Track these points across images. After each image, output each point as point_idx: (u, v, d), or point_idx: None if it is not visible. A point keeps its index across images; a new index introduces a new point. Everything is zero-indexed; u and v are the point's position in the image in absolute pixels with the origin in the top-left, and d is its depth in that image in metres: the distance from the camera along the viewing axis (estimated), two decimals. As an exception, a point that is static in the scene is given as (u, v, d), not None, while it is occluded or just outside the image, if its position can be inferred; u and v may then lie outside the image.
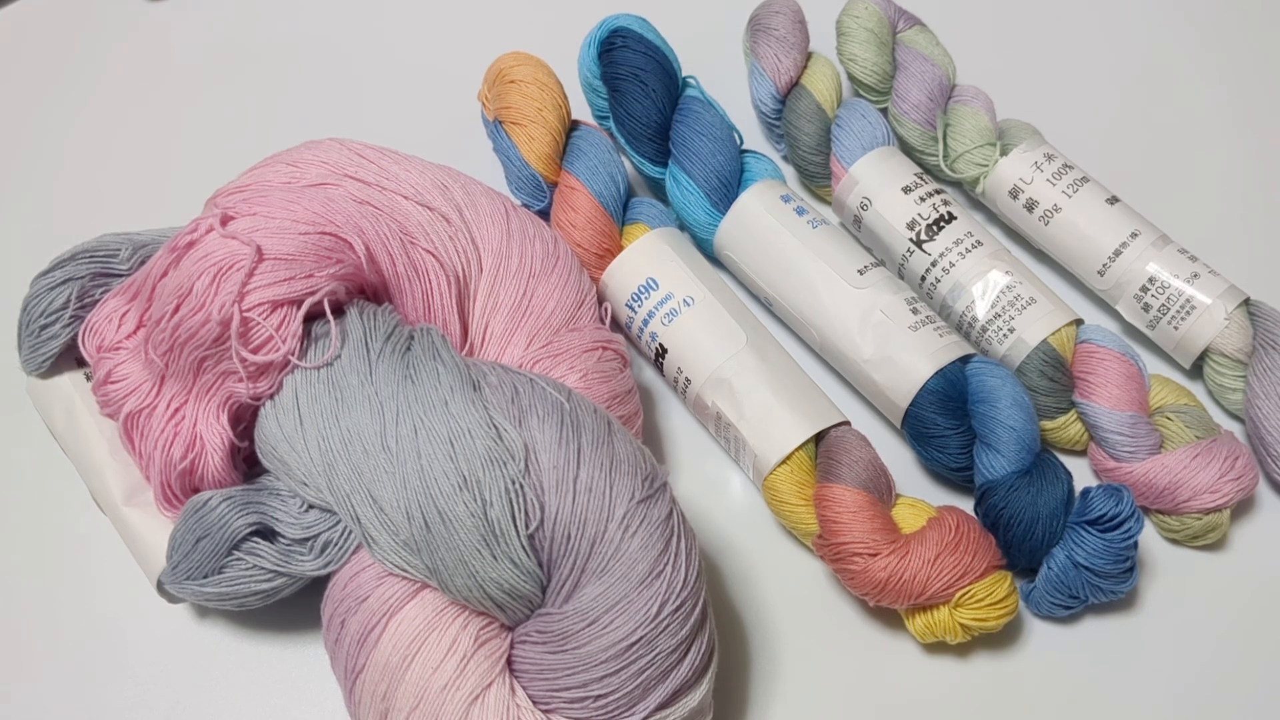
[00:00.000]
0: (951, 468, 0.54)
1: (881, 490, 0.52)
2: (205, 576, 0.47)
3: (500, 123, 0.59)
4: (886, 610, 0.52)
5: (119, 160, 0.67)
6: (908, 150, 0.63)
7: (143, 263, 0.52)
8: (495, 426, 0.44)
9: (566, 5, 0.71)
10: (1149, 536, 0.55)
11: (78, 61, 0.71)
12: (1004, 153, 0.61)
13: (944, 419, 0.53)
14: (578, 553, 0.44)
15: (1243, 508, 0.55)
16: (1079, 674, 0.52)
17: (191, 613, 0.53)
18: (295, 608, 0.50)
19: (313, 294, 0.47)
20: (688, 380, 0.56)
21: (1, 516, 0.55)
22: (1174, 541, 0.55)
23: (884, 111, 0.63)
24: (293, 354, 0.46)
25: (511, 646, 0.45)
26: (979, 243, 0.58)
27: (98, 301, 0.51)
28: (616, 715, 0.43)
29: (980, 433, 0.53)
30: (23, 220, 0.65)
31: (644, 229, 0.59)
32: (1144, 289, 0.57)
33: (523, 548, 0.43)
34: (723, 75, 0.66)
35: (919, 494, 0.55)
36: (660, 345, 0.57)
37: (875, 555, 0.49)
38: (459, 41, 0.72)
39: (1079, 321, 0.57)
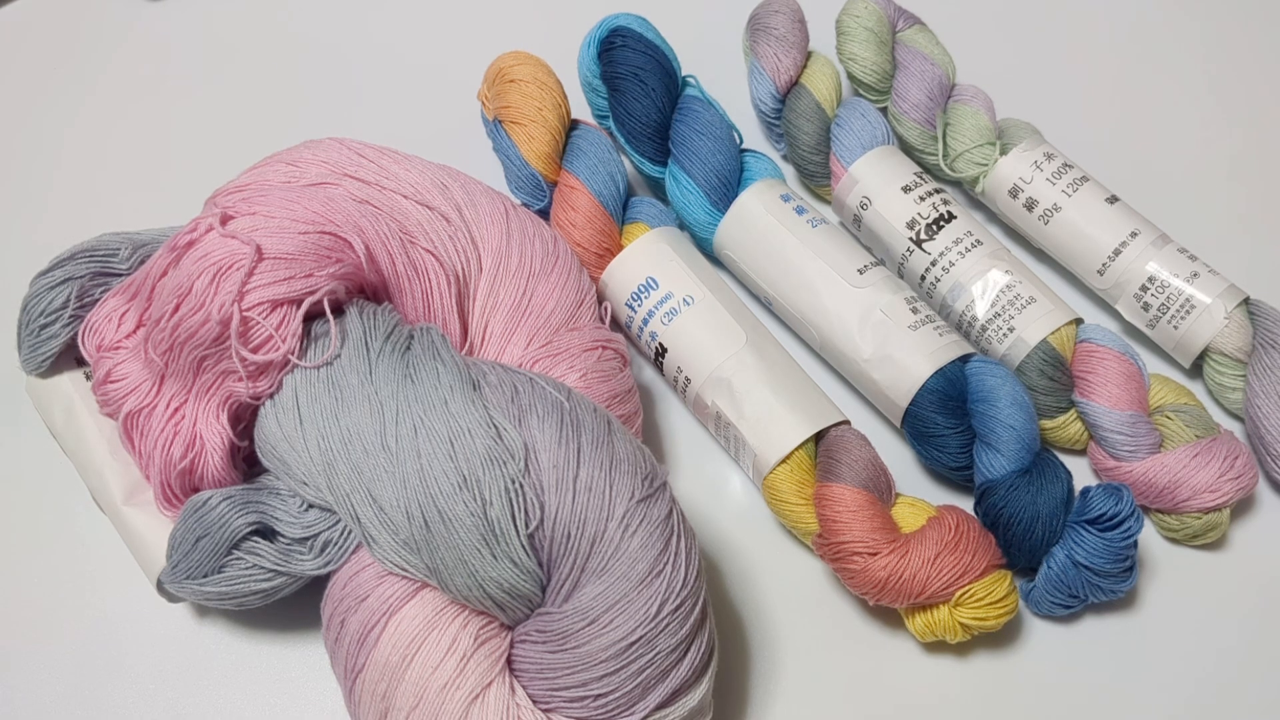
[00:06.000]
0: (951, 467, 0.54)
1: (881, 489, 0.52)
2: (205, 576, 0.47)
3: (500, 122, 0.59)
4: (886, 609, 0.52)
5: (119, 160, 0.67)
6: (907, 149, 0.63)
7: (142, 262, 0.52)
8: (495, 426, 0.44)
9: (566, 5, 0.71)
10: (1149, 536, 0.55)
11: (77, 61, 0.71)
12: (1004, 152, 0.61)
13: (944, 418, 0.53)
14: (577, 552, 0.44)
15: (1242, 507, 0.55)
16: (1079, 674, 0.52)
17: (191, 612, 0.53)
18: (295, 608, 0.50)
19: (312, 293, 0.47)
20: (687, 380, 0.56)
21: (1, 516, 0.55)
22: (1174, 541, 0.55)
23: (884, 111, 0.63)
24: (292, 353, 0.46)
25: (511, 646, 0.45)
26: (979, 242, 0.58)
27: (97, 301, 0.51)
28: (616, 714, 0.43)
29: (980, 432, 0.53)
30: (23, 220, 0.65)
31: (644, 228, 0.59)
32: (1144, 288, 0.57)
33: (522, 547, 0.43)
34: (723, 75, 0.66)
35: (919, 493, 0.55)
36: (660, 344, 0.57)
37: (875, 554, 0.49)
38: (459, 41, 0.72)
39: (1079, 321, 0.57)
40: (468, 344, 0.52)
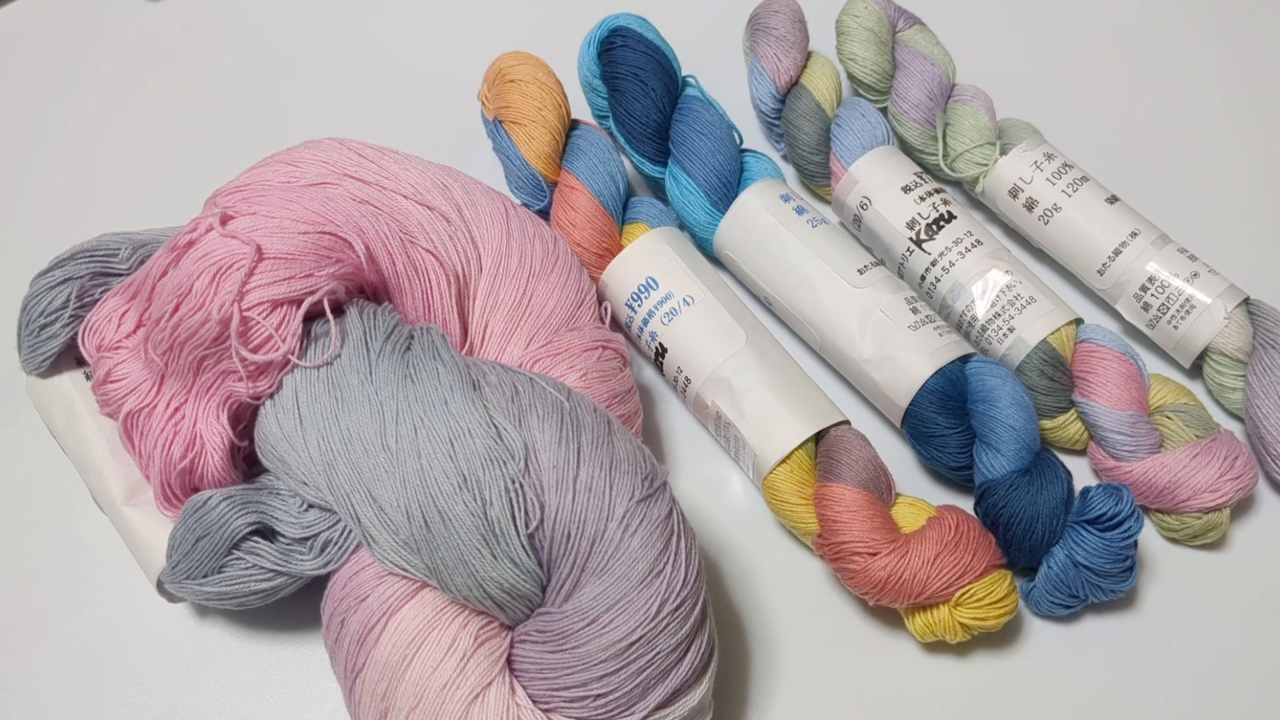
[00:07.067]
0: (951, 467, 0.54)
1: (881, 489, 0.52)
2: (205, 576, 0.47)
3: (500, 122, 0.59)
4: (886, 610, 0.52)
5: (118, 160, 0.67)
6: (907, 150, 0.63)
7: (142, 262, 0.52)
8: (495, 426, 0.44)
9: (566, 5, 0.71)
10: (1148, 536, 0.55)
11: (77, 61, 0.71)
12: (1003, 152, 0.61)
13: (944, 418, 0.53)
14: (577, 552, 0.44)
15: (1242, 507, 0.55)
16: (1079, 674, 0.52)
17: (191, 612, 0.53)
18: (295, 607, 0.50)
19: (312, 293, 0.47)
20: (687, 380, 0.56)
21: (1, 516, 0.55)
22: (1174, 541, 0.55)
23: (884, 111, 0.63)
24: (292, 353, 0.46)
25: (511, 646, 0.45)
26: (979, 242, 0.58)
27: (97, 301, 0.51)
28: (616, 714, 0.43)
29: (980, 432, 0.53)
30: (22, 220, 0.65)
31: (644, 228, 0.59)
32: (1144, 288, 0.57)
33: (522, 547, 0.43)
34: (723, 75, 0.66)
35: (919, 493, 0.55)
36: (660, 344, 0.57)
37: (875, 554, 0.49)
38: (459, 41, 0.72)
39: (1079, 321, 0.57)
40: (468, 344, 0.52)
